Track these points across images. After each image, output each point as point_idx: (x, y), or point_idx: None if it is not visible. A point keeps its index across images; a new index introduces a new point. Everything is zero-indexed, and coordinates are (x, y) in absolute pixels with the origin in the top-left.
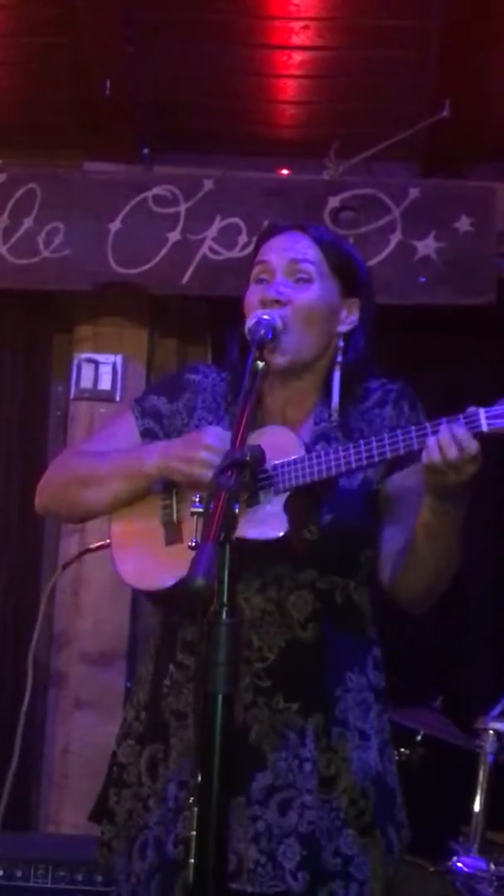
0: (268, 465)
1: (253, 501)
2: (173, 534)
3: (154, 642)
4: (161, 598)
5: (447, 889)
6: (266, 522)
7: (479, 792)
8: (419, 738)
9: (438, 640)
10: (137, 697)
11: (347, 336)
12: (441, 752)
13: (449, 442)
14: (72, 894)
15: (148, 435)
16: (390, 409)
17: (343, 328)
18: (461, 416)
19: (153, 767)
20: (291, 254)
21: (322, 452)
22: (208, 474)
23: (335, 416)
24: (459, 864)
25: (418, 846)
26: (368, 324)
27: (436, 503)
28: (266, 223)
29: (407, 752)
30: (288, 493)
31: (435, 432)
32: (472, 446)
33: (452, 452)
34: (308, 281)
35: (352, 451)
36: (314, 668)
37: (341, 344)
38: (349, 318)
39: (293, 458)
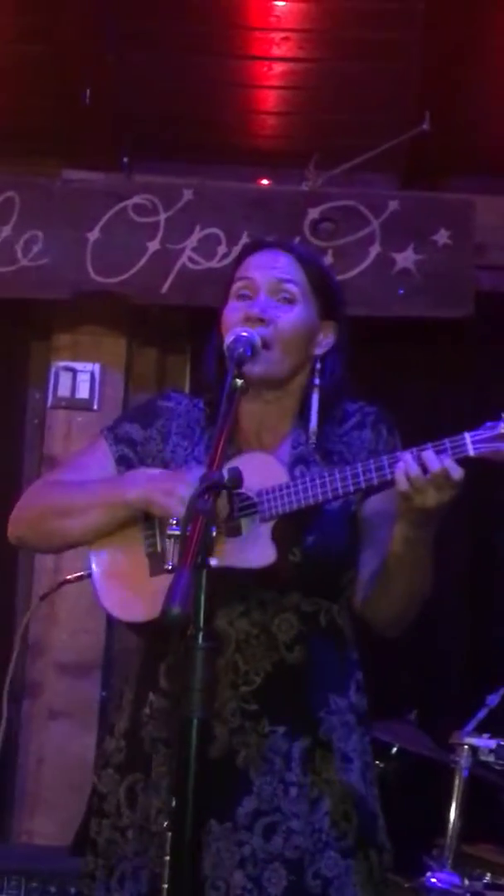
0: (252, 493)
1: (237, 530)
2: (158, 564)
3: (134, 669)
4: (147, 630)
5: None
6: (254, 551)
7: (453, 806)
8: (394, 751)
9: (413, 652)
10: (117, 726)
11: (323, 358)
12: (416, 765)
13: (432, 459)
14: None
15: (123, 462)
16: (369, 432)
17: (319, 350)
18: (447, 440)
19: (132, 797)
20: (277, 273)
21: (308, 478)
22: (172, 531)
23: (313, 438)
24: (433, 880)
25: (392, 861)
26: (344, 347)
27: (409, 531)
28: (248, 238)
29: (382, 765)
30: (275, 521)
31: (418, 453)
32: (456, 472)
33: (435, 466)
34: (292, 301)
35: (338, 476)
36: (300, 691)
37: (318, 366)
38: (325, 340)
39: (278, 484)
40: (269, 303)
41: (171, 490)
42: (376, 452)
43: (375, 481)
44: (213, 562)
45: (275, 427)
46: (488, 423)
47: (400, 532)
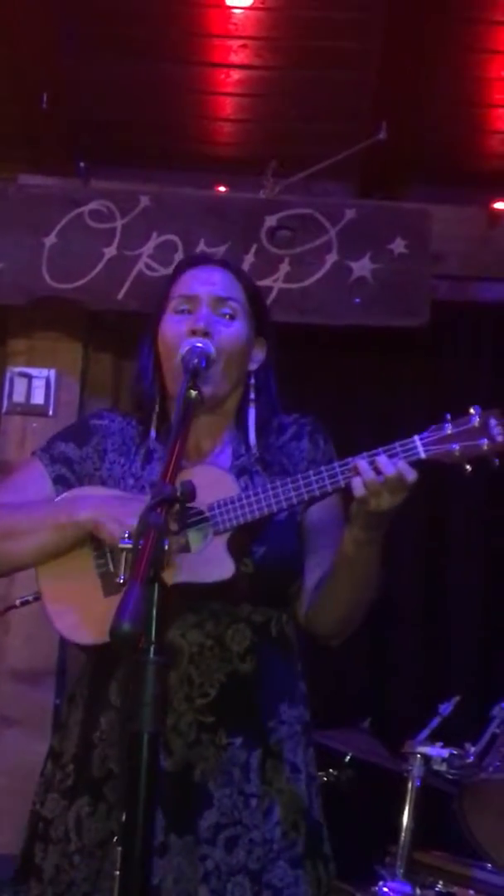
0: (203, 506)
1: (192, 543)
2: (111, 584)
3: (83, 692)
4: (100, 650)
5: None
6: (211, 565)
7: (406, 815)
8: (347, 759)
9: (367, 661)
10: (63, 748)
11: (257, 373)
12: (369, 773)
13: (386, 462)
14: None
15: (61, 482)
16: (307, 442)
17: (253, 366)
18: (398, 444)
19: (80, 823)
20: (220, 290)
21: (259, 490)
22: (127, 544)
23: (255, 451)
24: (385, 889)
25: (344, 870)
26: (273, 362)
27: (360, 533)
28: (204, 246)
29: (335, 773)
30: (230, 534)
31: (369, 458)
32: (409, 473)
33: (390, 470)
34: (233, 318)
35: (290, 486)
36: (253, 702)
37: (252, 381)
38: (257, 356)
39: (230, 497)
40: (211, 317)
41: (120, 519)
42: (315, 462)
43: (329, 488)
44: (170, 579)
45: (211, 436)
46: (433, 427)
47: (350, 535)
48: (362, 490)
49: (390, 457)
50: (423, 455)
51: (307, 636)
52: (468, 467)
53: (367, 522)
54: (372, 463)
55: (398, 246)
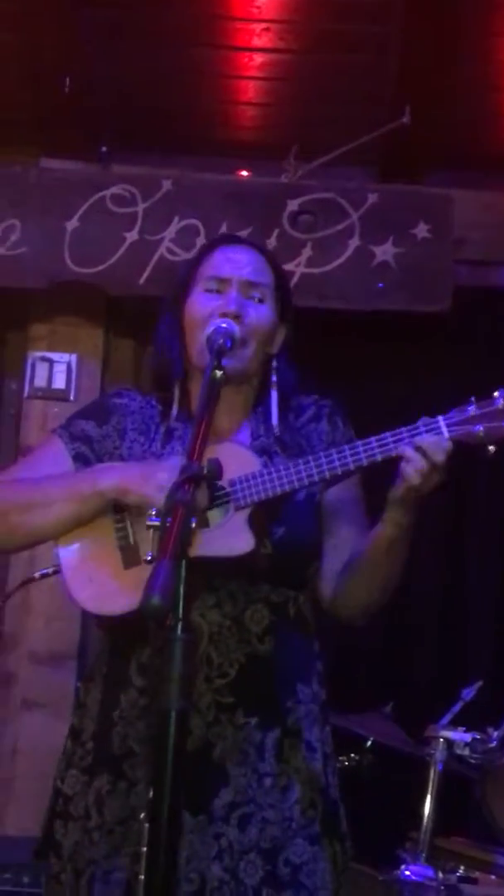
0: (224, 482)
1: (211, 519)
2: (131, 556)
3: (99, 670)
4: (122, 624)
5: None
6: (231, 539)
7: (428, 799)
8: (369, 744)
9: (389, 646)
10: (83, 726)
11: (277, 356)
12: (391, 758)
13: (428, 444)
14: None
15: (80, 459)
16: (325, 423)
17: (275, 349)
18: (421, 424)
19: (101, 800)
20: (251, 275)
21: (282, 466)
22: (161, 498)
23: (277, 431)
24: (407, 873)
25: (366, 854)
26: (293, 346)
27: (401, 516)
28: (226, 230)
29: (357, 758)
30: (250, 509)
31: (398, 440)
32: (446, 445)
33: (440, 458)
34: (262, 301)
35: (312, 464)
36: (270, 682)
37: (275, 364)
38: (279, 339)
39: (252, 472)
40: (241, 300)
41: (147, 476)
42: (334, 444)
43: (352, 466)
44: (191, 553)
45: (230, 416)
46: (457, 408)
47: (393, 518)
48: (416, 478)
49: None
50: (446, 436)
51: (330, 617)
52: (491, 449)
53: (410, 503)
54: (418, 449)
55: (421, 231)
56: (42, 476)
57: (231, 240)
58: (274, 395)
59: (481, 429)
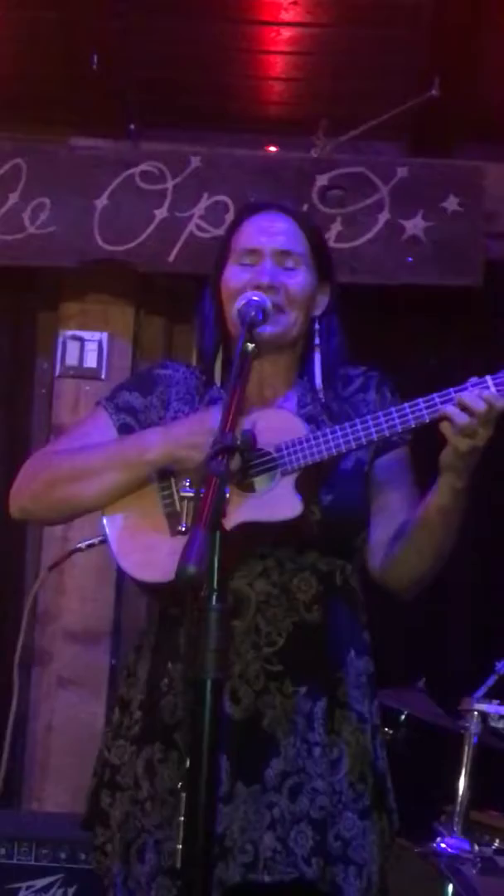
0: (272, 448)
1: (258, 485)
2: (178, 523)
3: (148, 640)
4: (168, 591)
5: (431, 870)
6: (279, 504)
7: (463, 773)
8: (403, 718)
9: (423, 619)
10: (131, 696)
11: (320, 318)
12: (425, 732)
13: (473, 399)
14: (55, 871)
15: (125, 430)
16: (374, 393)
17: (318, 311)
18: (468, 384)
19: (151, 769)
20: (283, 243)
21: (328, 430)
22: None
23: (321, 395)
24: (443, 846)
25: (402, 827)
26: (338, 305)
27: (454, 480)
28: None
29: (391, 732)
30: (297, 474)
31: (446, 401)
32: (499, 399)
33: (479, 405)
34: (296, 268)
35: (360, 427)
36: (319, 651)
37: (318, 327)
38: (322, 300)
39: (299, 437)
40: (275, 270)
41: (197, 444)
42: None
43: (399, 428)
44: (238, 518)
45: (275, 384)
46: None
47: (448, 484)
48: (457, 436)
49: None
50: (493, 391)
51: (378, 588)
52: None
53: (463, 465)
54: (461, 405)
55: (451, 204)
56: (86, 446)
57: (261, 207)
58: (317, 357)
59: None
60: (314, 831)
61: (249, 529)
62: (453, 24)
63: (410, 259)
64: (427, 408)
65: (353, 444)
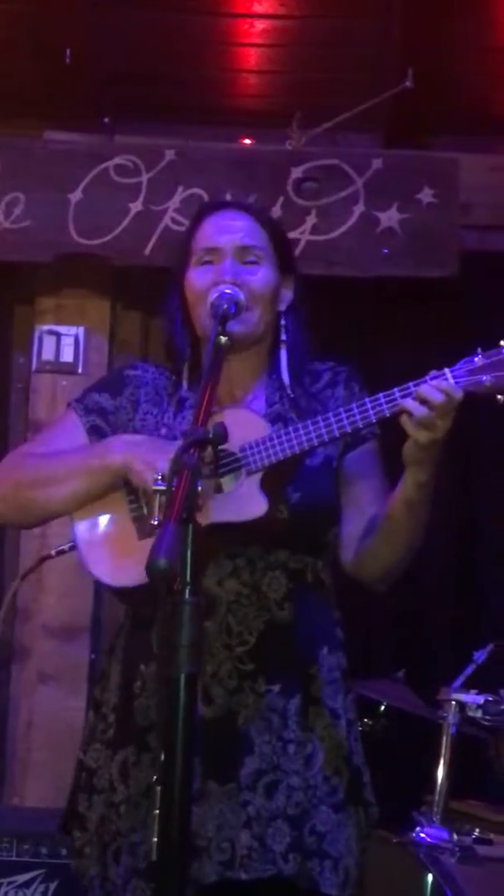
0: (236, 448)
1: (220, 488)
2: (145, 527)
3: (122, 642)
4: (139, 595)
5: (410, 860)
6: (244, 504)
7: (441, 762)
8: (382, 708)
9: (401, 611)
10: (105, 699)
11: (285, 313)
12: (404, 722)
13: (430, 391)
14: (36, 867)
15: (95, 432)
16: (342, 389)
17: (282, 306)
18: (427, 377)
19: (125, 772)
20: (242, 239)
21: (291, 429)
22: (159, 487)
23: (289, 391)
24: (422, 835)
25: (381, 817)
26: (303, 299)
27: (421, 474)
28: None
29: (370, 723)
30: (262, 473)
31: (406, 395)
32: (456, 391)
33: (437, 397)
34: (258, 263)
35: (321, 423)
36: (292, 648)
37: (283, 322)
38: (286, 294)
39: (262, 437)
40: (236, 267)
41: (152, 463)
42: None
43: (360, 423)
44: (204, 520)
45: (244, 383)
46: (464, 359)
47: (413, 478)
48: (416, 428)
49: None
50: (452, 385)
51: (352, 582)
52: (500, 398)
53: (424, 457)
54: (419, 398)
55: (426, 196)
56: (54, 451)
57: (218, 206)
58: (283, 353)
59: (489, 378)
60: (291, 828)
61: (217, 530)
62: (426, 14)
63: (386, 251)
64: (387, 402)
65: (316, 442)
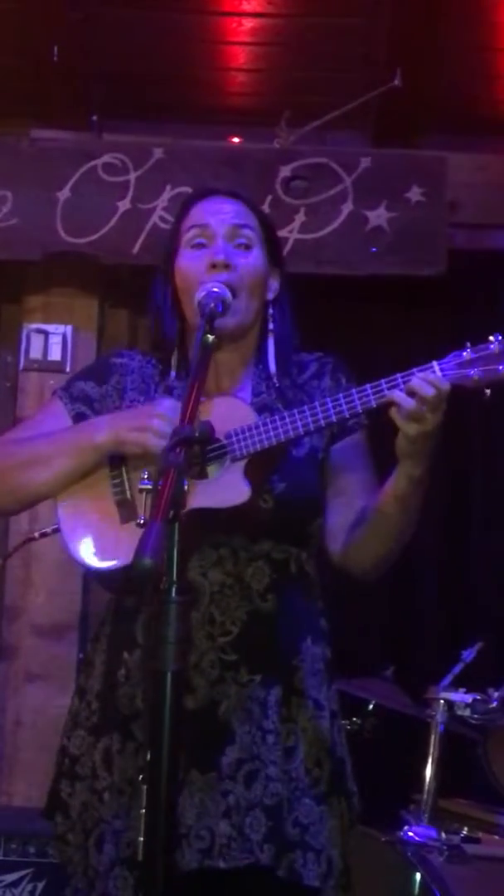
0: (221, 435)
1: (209, 473)
2: (128, 511)
3: (104, 631)
4: (119, 580)
5: (398, 859)
6: (227, 490)
7: (430, 761)
8: (371, 707)
9: (390, 610)
10: (89, 686)
11: (273, 303)
12: (392, 721)
13: (420, 383)
14: (24, 866)
15: (79, 419)
16: (328, 380)
17: (270, 296)
18: (416, 370)
19: (108, 759)
20: (233, 219)
21: (277, 417)
22: (161, 444)
23: (275, 380)
24: (410, 834)
25: (369, 816)
26: (289, 291)
27: (412, 468)
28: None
29: (359, 721)
30: (246, 460)
31: (393, 386)
32: (444, 383)
33: (426, 389)
34: (249, 247)
35: (307, 413)
36: (274, 639)
37: (271, 311)
38: (273, 285)
39: (248, 424)
40: (229, 248)
41: (142, 426)
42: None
43: (346, 413)
44: (188, 505)
45: (231, 374)
46: (452, 353)
47: (403, 471)
48: (405, 420)
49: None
50: (440, 377)
51: (341, 574)
52: (488, 392)
53: (416, 451)
54: (409, 390)
55: (414, 194)
56: (39, 434)
57: (207, 192)
58: (271, 342)
59: (476, 372)
60: (267, 818)
61: (199, 516)
62: (414, 14)
63: (374, 249)
64: (374, 393)
65: (301, 431)
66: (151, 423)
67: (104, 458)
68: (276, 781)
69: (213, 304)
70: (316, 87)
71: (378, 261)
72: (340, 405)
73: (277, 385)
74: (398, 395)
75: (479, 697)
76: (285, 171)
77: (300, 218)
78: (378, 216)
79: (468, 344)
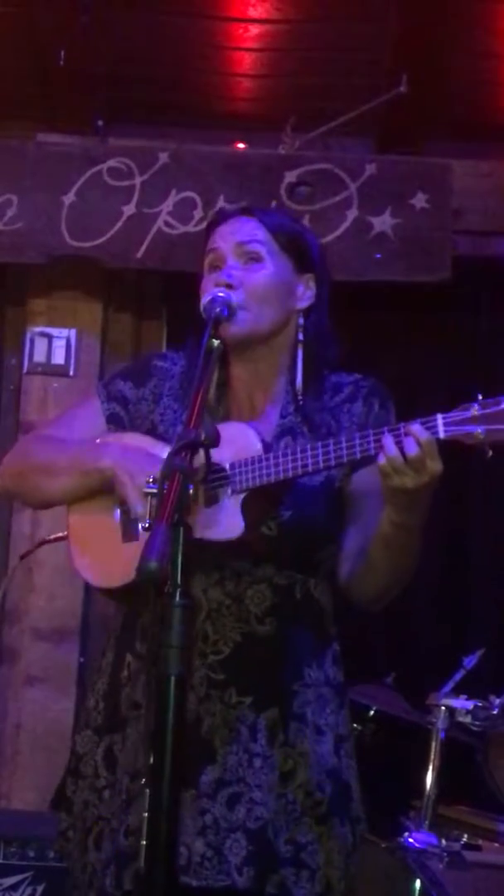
0: (225, 464)
1: (215, 499)
2: (130, 531)
3: (114, 631)
4: (115, 596)
5: (398, 865)
6: (223, 523)
7: (430, 768)
8: (371, 713)
9: (391, 616)
10: (97, 687)
11: (307, 313)
12: (393, 727)
13: (406, 440)
14: (24, 870)
15: (113, 420)
16: (360, 405)
17: (302, 304)
18: (418, 420)
19: (110, 759)
20: (238, 237)
21: (280, 454)
22: (137, 502)
23: (299, 395)
24: (411, 840)
25: (370, 822)
26: (326, 299)
27: (395, 514)
28: (224, 202)
29: (359, 727)
30: (245, 494)
31: (393, 432)
32: (432, 445)
33: (412, 448)
34: (257, 260)
35: (309, 453)
36: (270, 663)
37: (301, 321)
38: (306, 293)
39: (251, 457)
40: (235, 267)
41: (135, 475)
42: (363, 427)
43: (358, 456)
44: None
45: (265, 388)
46: (459, 406)
47: (387, 515)
48: (386, 467)
49: (406, 435)
50: (441, 435)
51: (347, 601)
52: (490, 452)
53: (399, 503)
54: (398, 441)
55: (419, 201)
56: (64, 439)
57: (222, 216)
58: (300, 354)
59: (481, 430)
60: (248, 841)
61: (195, 544)
62: (420, 21)
63: (379, 256)
64: (375, 440)
65: (301, 471)
66: (140, 481)
67: (106, 482)
68: (260, 805)
69: (218, 309)
70: (321, 93)
71: (382, 267)
72: (341, 449)
73: (303, 403)
74: (385, 443)
75: (480, 704)
76: (290, 177)
77: (304, 224)
78: (383, 222)
79: (479, 397)
